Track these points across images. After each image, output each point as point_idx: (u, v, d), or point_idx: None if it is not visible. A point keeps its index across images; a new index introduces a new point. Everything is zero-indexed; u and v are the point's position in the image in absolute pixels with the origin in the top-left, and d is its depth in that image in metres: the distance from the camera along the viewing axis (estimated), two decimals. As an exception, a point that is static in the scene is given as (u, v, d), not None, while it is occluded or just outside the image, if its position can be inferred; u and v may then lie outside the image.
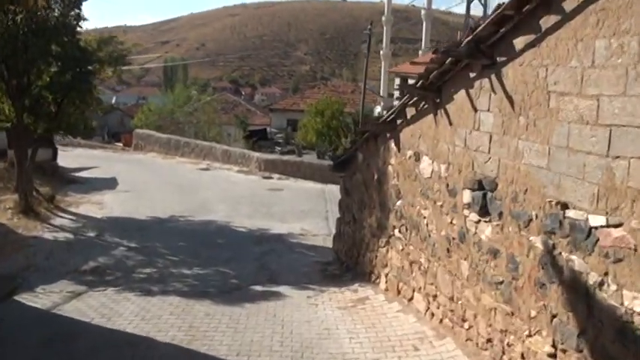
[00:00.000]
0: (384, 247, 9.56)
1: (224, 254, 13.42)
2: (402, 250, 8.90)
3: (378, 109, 42.27)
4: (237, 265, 12.38)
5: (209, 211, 18.52)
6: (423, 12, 66.67)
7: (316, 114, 38.67)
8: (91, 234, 15.24)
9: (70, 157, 33.58)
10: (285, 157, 26.85)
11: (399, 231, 8.99)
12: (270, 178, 25.64)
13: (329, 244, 15.16)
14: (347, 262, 11.55)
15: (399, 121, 8.90)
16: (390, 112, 9.02)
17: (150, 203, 19.44)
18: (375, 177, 9.82)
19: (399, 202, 8.97)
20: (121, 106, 68.85)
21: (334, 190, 24.87)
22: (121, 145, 40.28)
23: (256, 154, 27.17)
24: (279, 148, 44.10)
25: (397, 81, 41.17)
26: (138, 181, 24.01)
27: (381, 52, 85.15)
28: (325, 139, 36.75)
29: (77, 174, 26.12)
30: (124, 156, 33.69)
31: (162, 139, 32.81)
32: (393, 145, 9.09)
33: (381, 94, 55.56)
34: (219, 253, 13.54)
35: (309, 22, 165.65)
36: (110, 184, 23.55)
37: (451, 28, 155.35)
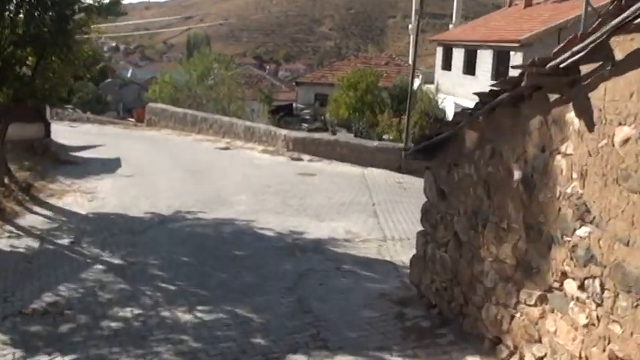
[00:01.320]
0: (536, 306, 5.07)
1: (243, 278, 8.98)
2: (588, 325, 4.42)
3: (417, 83, 37.48)
4: (262, 302, 7.90)
5: (226, 203, 14.14)
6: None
7: (349, 87, 33.98)
8: (65, 240, 10.88)
9: (76, 133, 29.66)
10: (318, 136, 22.34)
11: (581, 287, 4.49)
12: (300, 159, 21.18)
13: (387, 255, 10.79)
14: (439, 307, 7.06)
15: (586, 69, 4.36)
16: (562, 54, 4.46)
17: (153, 193, 15.13)
18: (516, 175, 5.30)
19: (582, 231, 4.46)
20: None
21: (376, 176, 20.31)
22: (133, 120, 36.04)
23: (284, 132, 22.68)
24: (307, 125, 39.63)
25: (440, 51, 36.33)
26: (144, 163, 19.78)
27: (410, 26, 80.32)
28: (362, 116, 32.20)
29: (78, 153, 22.03)
30: (135, 132, 29.45)
31: (177, 113, 28.45)
32: (570, 115, 4.56)
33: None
34: (236, 275, 9.09)
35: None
36: (111, 166, 19.35)
37: (479, 3, 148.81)
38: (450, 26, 75.98)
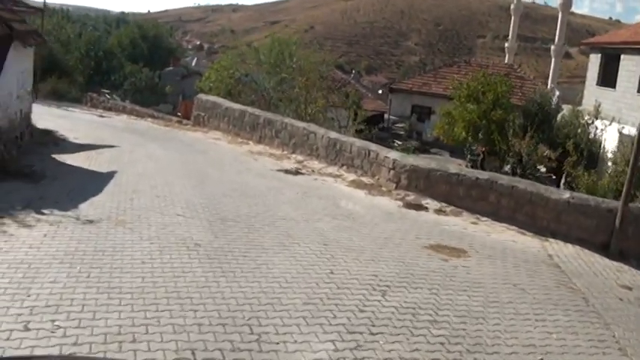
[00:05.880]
0: None
1: None
2: None
3: (554, 99, 26.81)
4: None
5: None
6: (558, 3, 57.22)
7: (468, 98, 23.70)
8: None
9: (97, 125, 20.96)
10: (455, 170, 12.24)
11: None
12: (422, 208, 11.29)
13: None
14: None
15: None
16: None
17: (88, 301, 5.61)
18: None
19: None
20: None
21: (573, 262, 8.65)
22: (179, 115, 26.81)
23: (392, 156, 12.77)
24: (399, 143, 29.74)
25: (593, 59, 25.57)
26: (144, 190, 10.48)
27: (506, 45, 69.43)
28: (486, 138, 21.94)
29: (68, 156, 13.22)
30: (173, 133, 20.20)
31: (232, 111, 18.96)
32: None
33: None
34: None
35: (423, 12, 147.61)
36: (90, 189, 10.26)
37: (572, 28, 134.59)
38: (552, 47, 64.32)
